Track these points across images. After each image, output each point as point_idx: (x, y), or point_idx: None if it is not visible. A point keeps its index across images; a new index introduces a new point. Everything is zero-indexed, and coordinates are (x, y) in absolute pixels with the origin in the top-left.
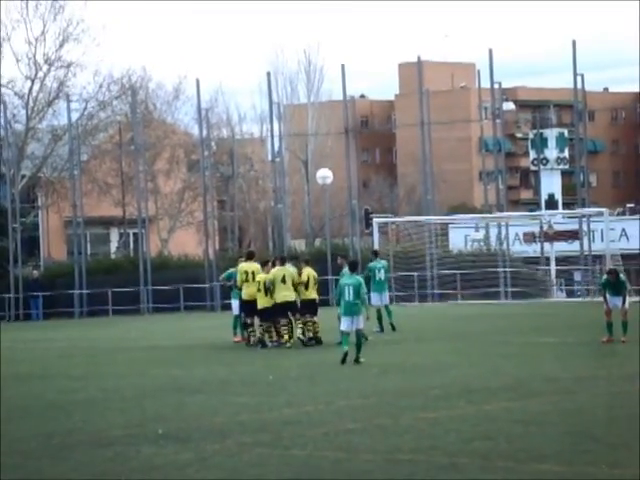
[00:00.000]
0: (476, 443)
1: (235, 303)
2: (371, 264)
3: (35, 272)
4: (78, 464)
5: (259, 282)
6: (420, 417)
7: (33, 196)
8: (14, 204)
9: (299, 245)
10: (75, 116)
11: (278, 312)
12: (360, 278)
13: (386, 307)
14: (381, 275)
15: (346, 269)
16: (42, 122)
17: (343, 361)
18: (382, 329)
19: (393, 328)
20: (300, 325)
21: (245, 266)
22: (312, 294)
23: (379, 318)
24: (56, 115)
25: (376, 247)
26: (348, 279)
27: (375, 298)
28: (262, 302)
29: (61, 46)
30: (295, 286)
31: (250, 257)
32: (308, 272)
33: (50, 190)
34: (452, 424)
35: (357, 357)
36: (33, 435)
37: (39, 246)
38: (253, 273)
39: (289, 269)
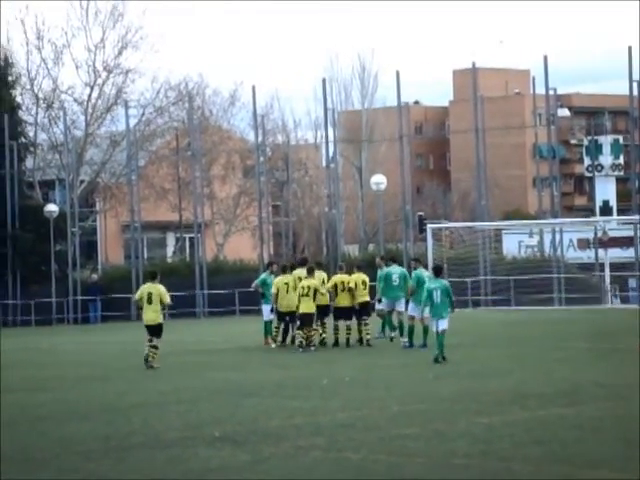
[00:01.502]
0: (530, 448)
1: (266, 308)
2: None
3: (94, 276)
4: (135, 466)
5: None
6: (474, 422)
7: (91, 201)
8: (73, 209)
9: (352, 250)
10: (133, 122)
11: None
12: (446, 282)
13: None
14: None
15: (388, 269)
16: (101, 128)
17: (436, 360)
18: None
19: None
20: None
21: (299, 272)
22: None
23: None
24: (114, 121)
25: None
26: (435, 283)
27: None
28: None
29: (120, 53)
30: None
31: (303, 264)
32: (357, 277)
33: (108, 195)
34: (506, 429)
35: (437, 356)
36: (92, 437)
37: (97, 250)
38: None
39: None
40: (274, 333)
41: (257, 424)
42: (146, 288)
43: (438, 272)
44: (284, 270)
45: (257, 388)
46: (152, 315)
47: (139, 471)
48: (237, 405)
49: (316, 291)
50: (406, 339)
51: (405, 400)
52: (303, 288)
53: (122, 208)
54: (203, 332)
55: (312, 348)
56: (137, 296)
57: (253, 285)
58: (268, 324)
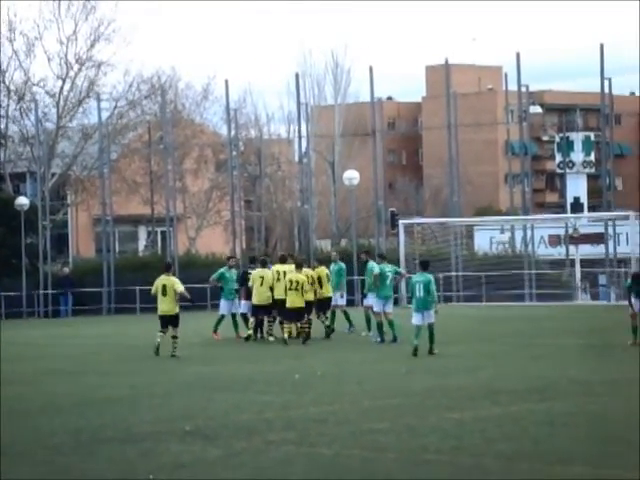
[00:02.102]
0: (501, 444)
1: (223, 303)
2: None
3: (65, 269)
4: (107, 460)
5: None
6: (446, 417)
7: (63, 194)
8: (44, 202)
9: (325, 245)
10: (105, 115)
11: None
12: (430, 276)
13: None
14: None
15: (371, 263)
16: (72, 121)
17: (414, 354)
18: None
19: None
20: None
21: (278, 267)
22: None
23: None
24: (86, 114)
25: (401, 251)
26: (419, 277)
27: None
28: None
29: (92, 46)
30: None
31: (283, 261)
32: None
33: (80, 188)
34: (477, 425)
35: (431, 349)
36: (63, 431)
37: (68, 244)
38: (285, 272)
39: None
40: (250, 327)
41: (229, 418)
42: (160, 280)
43: (425, 266)
44: (263, 264)
45: (229, 382)
46: (167, 306)
47: (110, 465)
48: (209, 399)
49: (303, 286)
50: (377, 334)
51: (377, 395)
52: (291, 282)
53: (94, 201)
54: None
55: (305, 342)
56: (153, 290)
57: (210, 280)
58: (222, 318)
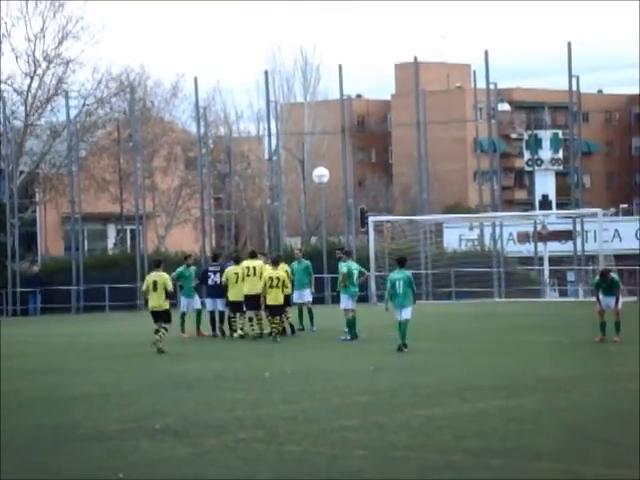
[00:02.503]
0: (470, 441)
1: (184, 301)
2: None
3: (35, 267)
4: (76, 458)
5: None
6: (414, 415)
7: (31, 192)
8: (12, 200)
9: (295, 243)
10: (73, 113)
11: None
12: (409, 273)
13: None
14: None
15: (348, 262)
16: (41, 119)
17: (399, 349)
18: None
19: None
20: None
21: (247, 262)
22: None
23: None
24: (55, 112)
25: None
26: (398, 274)
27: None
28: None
29: (60, 43)
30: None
31: (253, 256)
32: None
33: (48, 186)
34: (446, 422)
35: (402, 345)
36: (32, 429)
37: (37, 242)
38: (255, 268)
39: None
40: (235, 324)
41: (198, 416)
42: (151, 277)
43: (402, 263)
44: (236, 261)
45: (198, 380)
46: (157, 302)
47: (80, 464)
48: (178, 397)
49: (284, 282)
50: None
51: (346, 392)
52: (272, 279)
53: (62, 199)
54: (144, 324)
55: (278, 339)
56: (144, 286)
57: (171, 277)
58: (184, 316)
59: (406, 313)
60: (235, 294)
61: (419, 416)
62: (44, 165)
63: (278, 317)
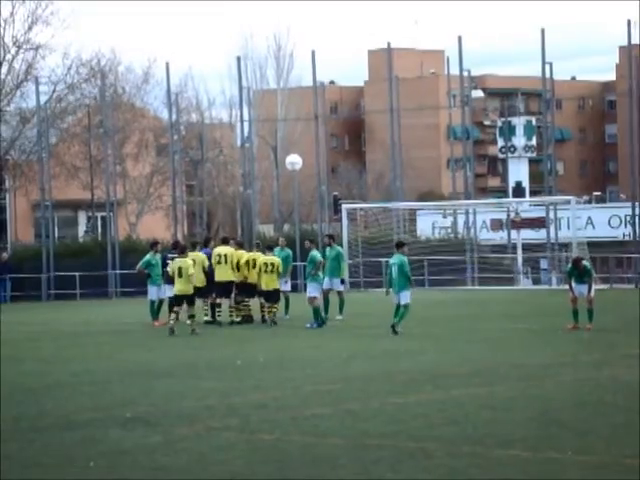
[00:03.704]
0: (443, 428)
1: (152, 289)
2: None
3: (5, 254)
4: (46, 447)
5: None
6: (388, 402)
7: (1, 179)
8: None
9: (267, 230)
10: (44, 99)
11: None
12: (404, 258)
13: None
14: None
15: (314, 252)
16: (10, 104)
17: (393, 331)
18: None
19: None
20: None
21: (219, 249)
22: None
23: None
24: (24, 97)
25: (344, 236)
26: (394, 259)
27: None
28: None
29: (30, 28)
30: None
31: (225, 242)
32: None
33: (18, 173)
34: (419, 409)
35: (395, 325)
36: (2, 418)
37: (6, 229)
38: (226, 256)
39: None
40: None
41: (170, 405)
42: (177, 262)
43: (398, 247)
44: (205, 243)
45: (170, 369)
46: (183, 286)
47: (50, 452)
48: (149, 386)
49: (278, 268)
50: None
51: (318, 380)
52: (267, 265)
53: (32, 186)
54: (115, 312)
55: (274, 324)
56: (170, 271)
57: (137, 268)
58: (153, 304)
59: (402, 298)
60: (219, 277)
61: (392, 403)
62: (14, 152)
63: (274, 302)
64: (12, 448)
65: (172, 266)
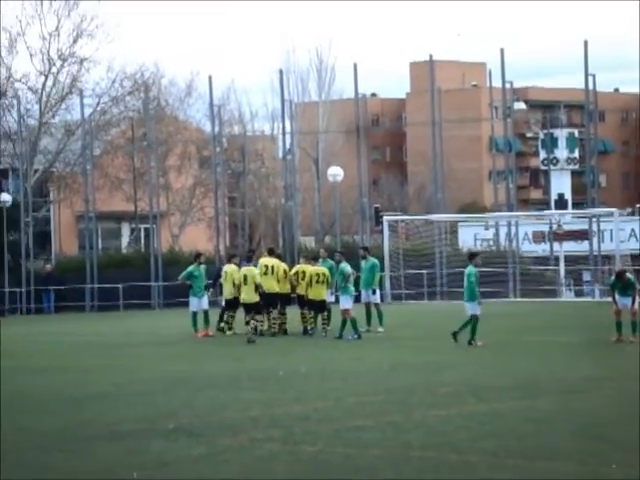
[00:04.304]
0: (486, 441)
1: (193, 300)
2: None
3: (48, 266)
4: (90, 458)
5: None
6: (430, 414)
7: (45, 191)
8: (26, 198)
9: (309, 242)
10: (88, 111)
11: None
12: (472, 269)
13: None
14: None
15: (343, 264)
16: (55, 117)
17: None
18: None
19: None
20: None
21: (265, 261)
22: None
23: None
24: (69, 110)
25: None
26: (467, 269)
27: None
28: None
29: (75, 42)
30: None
31: (271, 253)
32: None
33: (62, 185)
34: (462, 422)
35: (470, 340)
36: (46, 429)
37: (51, 240)
38: (272, 267)
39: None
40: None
41: (213, 416)
42: (243, 271)
43: (470, 258)
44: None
45: (212, 380)
46: (249, 295)
47: (94, 463)
48: (192, 397)
49: (327, 278)
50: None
51: (360, 392)
52: (318, 275)
53: (76, 198)
54: (158, 324)
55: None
56: (236, 280)
57: (179, 278)
58: (195, 315)
59: (466, 308)
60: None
61: (435, 416)
62: (58, 164)
63: (324, 313)
64: (56, 458)
65: (239, 274)
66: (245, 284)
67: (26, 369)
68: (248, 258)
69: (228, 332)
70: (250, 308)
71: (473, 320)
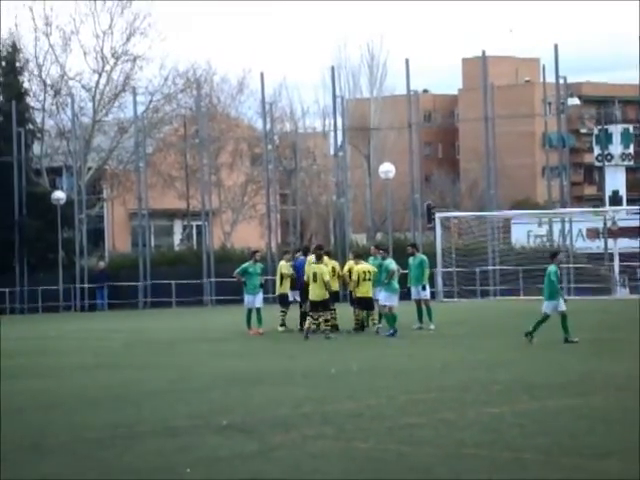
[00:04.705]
0: (539, 439)
1: (247, 297)
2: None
3: (101, 263)
4: (144, 454)
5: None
6: (483, 412)
7: (99, 188)
8: (80, 196)
9: (360, 239)
10: (141, 109)
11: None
12: (552, 267)
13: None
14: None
15: (387, 260)
16: (108, 115)
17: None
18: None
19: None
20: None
21: (311, 268)
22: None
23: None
24: (122, 108)
25: (438, 245)
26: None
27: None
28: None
29: (128, 40)
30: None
31: (319, 250)
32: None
33: (115, 182)
34: (515, 419)
35: (565, 338)
36: (101, 424)
37: (104, 238)
38: (315, 275)
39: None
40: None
41: (266, 413)
42: (311, 268)
43: (552, 257)
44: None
45: (265, 376)
46: (318, 292)
47: (147, 459)
48: (245, 393)
49: (375, 276)
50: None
51: (413, 389)
52: (365, 273)
53: (129, 195)
54: (210, 320)
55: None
56: (305, 277)
57: (234, 274)
58: (250, 312)
59: (547, 307)
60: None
61: (488, 413)
62: (111, 161)
63: (373, 310)
64: (111, 454)
65: (307, 271)
66: (314, 281)
67: (79, 366)
68: (305, 251)
69: (280, 329)
70: (317, 305)
71: (562, 318)
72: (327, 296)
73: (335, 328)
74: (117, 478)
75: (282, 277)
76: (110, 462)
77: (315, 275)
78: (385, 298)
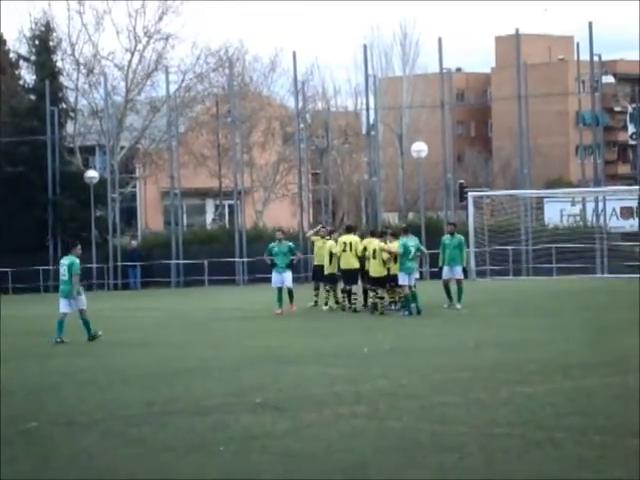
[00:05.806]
0: (573, 418)
1: (275, 277)
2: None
3: (134, 242)
4: (178, 431)
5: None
6: (516, 391)
7: (131, 167)
8: (113, 175)
9: (392, 218)
10: (173, 88)
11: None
12: None
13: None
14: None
15: (404, 239)
16: (141, 94)
17: None
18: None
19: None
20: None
21: (344, 238)
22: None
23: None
24: (154, 87)
25: (470, 224)
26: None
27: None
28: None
29: (160, 19)
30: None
31: (349, 230)
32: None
33: (148, 161)
34: (549, 399)
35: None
36: (134, 402)
37: (137, 217)
38: (351, 244)
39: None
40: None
41: (298, 391)
42: (373, 244)
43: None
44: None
45: (298, 355)
46: (378, 267)
47: (181, 436)
48: (278, 372)
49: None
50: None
51: (446, 368)
52: (345, 244)
53: (162, 174)
54: (243, 299)
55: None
56: (337, 249)
57: (265, 257)
58: (280, 292)
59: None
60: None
61: (521, 393)
62: (144, 140)
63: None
64: (145, 432)
65: (368, 249)
66: (374, 258)
67: (113, 344)
68: (348, 229)
69: (324, 307)
70: (375, 282)
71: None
72: (385, 272)
73: (394, 303)
74: (152, 456)
75: (331, 256)
76: (144, 439)
77: (374, 252)
78: (402, 278)
